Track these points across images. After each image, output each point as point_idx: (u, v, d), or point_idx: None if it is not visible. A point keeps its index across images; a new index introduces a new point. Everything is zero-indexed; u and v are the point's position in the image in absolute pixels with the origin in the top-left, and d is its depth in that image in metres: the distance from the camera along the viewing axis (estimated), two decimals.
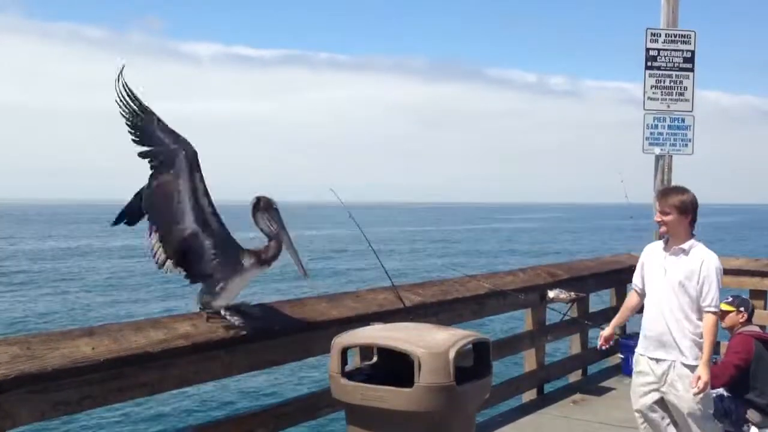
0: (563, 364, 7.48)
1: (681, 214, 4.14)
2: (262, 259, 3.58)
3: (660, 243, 4.33)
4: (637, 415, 4.43)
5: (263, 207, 3.59)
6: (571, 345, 7.60)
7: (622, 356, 7.58)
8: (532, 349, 6.64)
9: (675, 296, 4.16)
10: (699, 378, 4.03)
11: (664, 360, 4.19)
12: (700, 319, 4.13)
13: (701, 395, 4.08)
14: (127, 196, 3.48)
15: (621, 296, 8.37)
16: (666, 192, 4.32)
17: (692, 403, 4.13)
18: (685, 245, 4.18)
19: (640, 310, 4.54)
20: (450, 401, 3.13)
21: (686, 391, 4.12)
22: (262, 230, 3.61)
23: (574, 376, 7.49)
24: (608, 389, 7.02)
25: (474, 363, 3.45)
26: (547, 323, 6.79)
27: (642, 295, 4.46)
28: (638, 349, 4.39)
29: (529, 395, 6.71)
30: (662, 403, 4.28)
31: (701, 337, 4.11)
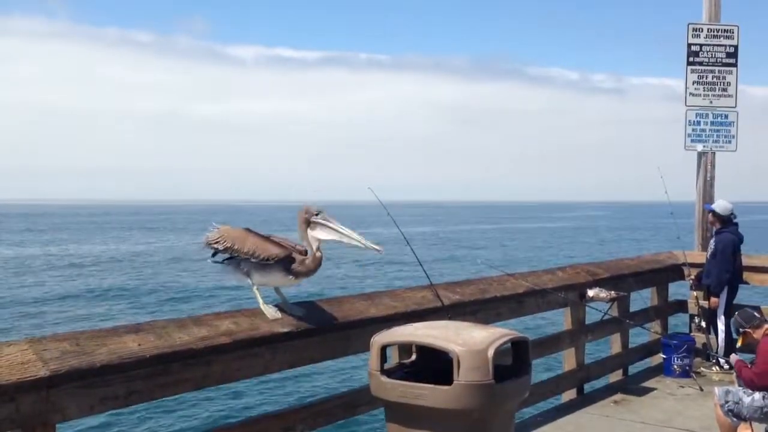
0: (603, 363, 7.41)
1: None
2: (293, 270, 3.67)
3: None
4: None
5: (304, 220, 3.68)
6: (612, 345, 7.52)
7: (664, 356, 7.49)
8: (572, 348, 6.59)
9: None
10: None
11: None
12: None
13: None
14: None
15: (662, 295, 8.26)
16: None
17: None
18: None
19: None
20: (489, 399, 3.13)
21: None
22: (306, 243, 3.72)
23: (615, 376, 7.41)
24: (650, 390, 6.93)
25: (513, 361, 3.44)
26: (586, 322, 6.74)
27: None
28: None
29: (569, 395, 6.66)
30: None
31: None
